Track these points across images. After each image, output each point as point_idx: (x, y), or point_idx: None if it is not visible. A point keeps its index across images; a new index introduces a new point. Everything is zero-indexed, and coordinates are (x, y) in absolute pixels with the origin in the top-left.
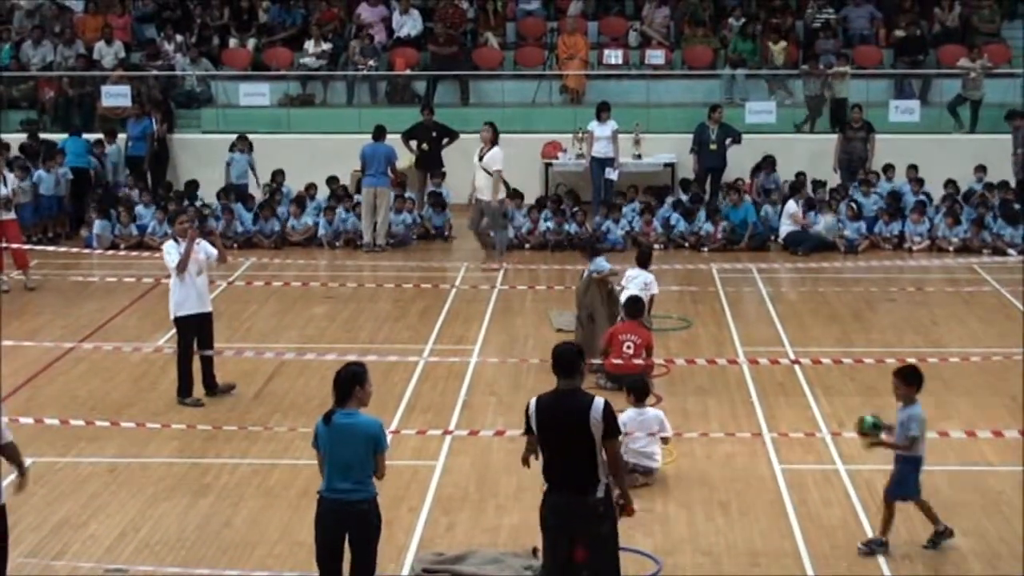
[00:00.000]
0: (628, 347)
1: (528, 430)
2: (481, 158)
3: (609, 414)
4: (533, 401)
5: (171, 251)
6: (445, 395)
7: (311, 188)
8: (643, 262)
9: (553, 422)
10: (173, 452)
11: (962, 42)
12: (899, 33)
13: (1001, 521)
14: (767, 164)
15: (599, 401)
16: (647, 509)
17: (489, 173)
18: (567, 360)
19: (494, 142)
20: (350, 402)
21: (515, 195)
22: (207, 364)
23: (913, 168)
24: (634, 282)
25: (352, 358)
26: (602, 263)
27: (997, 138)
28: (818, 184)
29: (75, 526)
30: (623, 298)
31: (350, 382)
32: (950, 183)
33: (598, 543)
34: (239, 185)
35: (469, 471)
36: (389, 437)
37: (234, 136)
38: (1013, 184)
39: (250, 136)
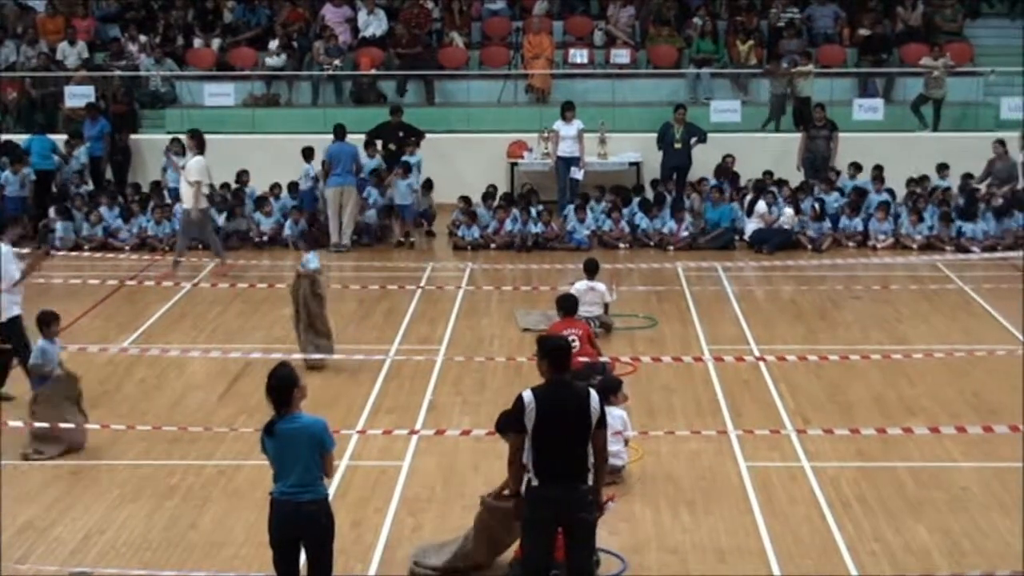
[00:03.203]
0: (573, 340)
1: (518, 427)
2: (183, 166)
3: (601, 405)
4: (528, 394)
5: (10, 261)
6: (411, 395)
7: (275, 188)
8: (591, 272)
9: (554, 412)
10: (138, 454)
11: (925, 41)
12: (863, 32)
13: (966, 517)
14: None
15: (593, 392)
16: (613, 508)
17: (189, 183)
18: (563, 353)
19: (199, 151)
20: (291, 407)
21: (487, 195)
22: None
23: (877, 168)
24: (587, 295)
25: (318, 358)
26: (312, 259)
27: (959, 136)
28: (781, 183)
29: (39, 529)
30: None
31: (288, 388)
32: (912, 181)
33: (585, 531)
34: (178, 188)
35: (435, 471)
36: (355, 437)
37: (221, 137)
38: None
39: (215, 136)
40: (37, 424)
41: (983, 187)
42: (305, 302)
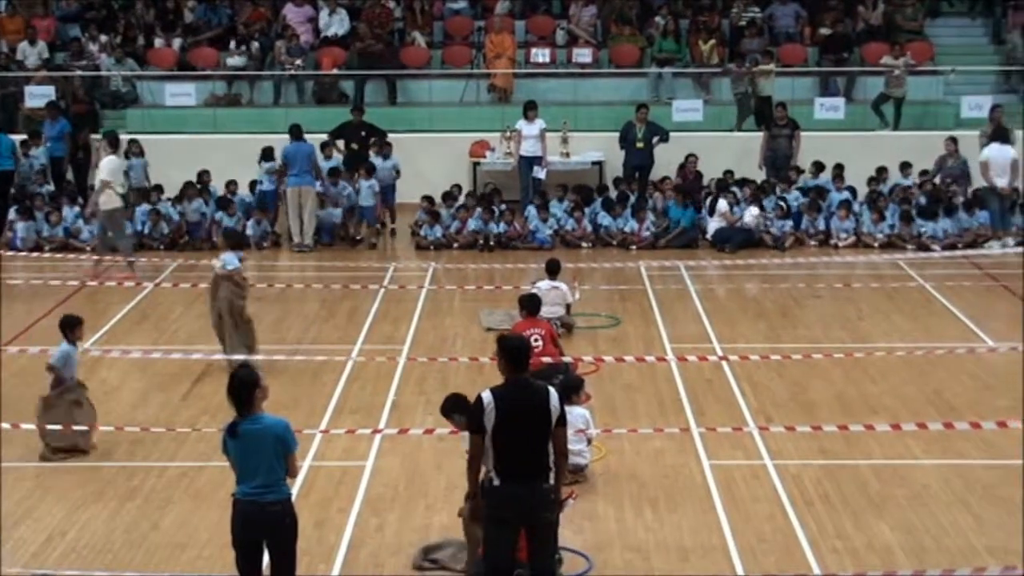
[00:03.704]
0: (536, 340)
1: (478, 428)
2: (96, 165)
3: (561, 403)
4: (487, 394)
5: None
6: (374, 395)
7: (231, 185)
8: (553, 272)
9: (514, 412)
10: (100, 455)
11: (886, 40)
12: (824, 31)
13: (927, 514)
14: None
15: (552, 390)
16: (576, 507)
17: (102, 182)
18: (520, 352)
19: (112, 150)
20: (253, 407)
21: (447, 196)
22: None
23: (838, 166)
24: (550, 295)
25: (281, 359)
26: (230, 260)
27: (920, 135)
28: (743, 182)
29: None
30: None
31: (249, 388)
32: (873, 180)
33: (546, 530)
34: (139, 189)
35: (399, 471)
36: (318, 437)
37: (164, 136)
38: None
39: (176, 136)
40: (50, 426)
41: (936, 182)
42: (230, 305)
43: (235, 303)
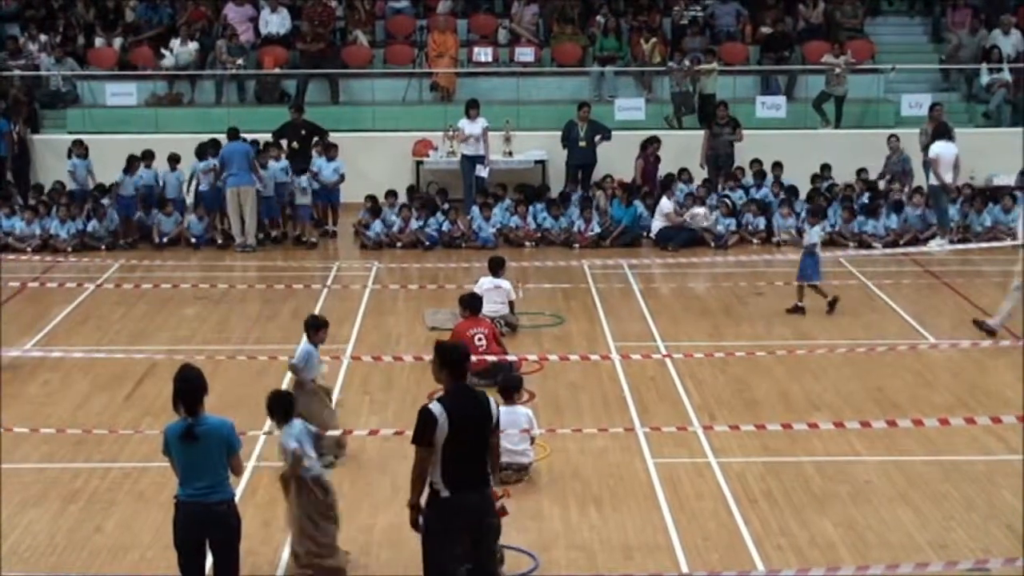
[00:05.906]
0: (479, 340)
1: (429, 442)
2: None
3: (496, 407)
4: (437, 406)
5: None
6: None
7: (173, 163)
8: (495, 270)
9: (467, 421)
10: (42, 457)
11: (826, 39)
12: (765, 30)
13: (869, 510)
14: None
15: (489, 396)
16: (521, 506)
17: None
18: (461, 360)
19: None
20: (202, 408)
21: (389, 194)
22: None
23: (778, 165)
24: (492, 293)
25: (222, 359)
26: None
27: (861, 133)
28: (682, 176)
29: None
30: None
31: (200, 390)
32: (817, 178)
33: (490, 533)
34: (83, 190)
35: (343, 471)
36: (262, 438)
37: (105, 136)
38: None
39: (118, 136)
40: (331, 433)
41: (882, 183)
42: None
43: None
